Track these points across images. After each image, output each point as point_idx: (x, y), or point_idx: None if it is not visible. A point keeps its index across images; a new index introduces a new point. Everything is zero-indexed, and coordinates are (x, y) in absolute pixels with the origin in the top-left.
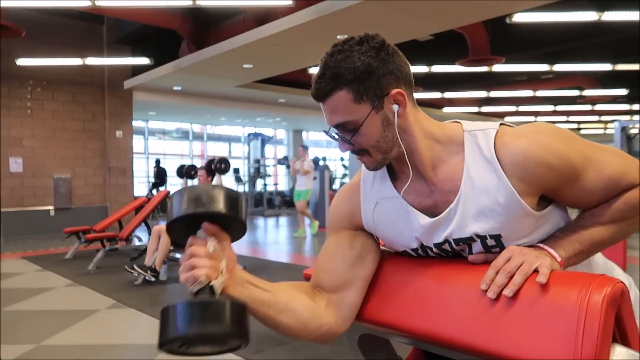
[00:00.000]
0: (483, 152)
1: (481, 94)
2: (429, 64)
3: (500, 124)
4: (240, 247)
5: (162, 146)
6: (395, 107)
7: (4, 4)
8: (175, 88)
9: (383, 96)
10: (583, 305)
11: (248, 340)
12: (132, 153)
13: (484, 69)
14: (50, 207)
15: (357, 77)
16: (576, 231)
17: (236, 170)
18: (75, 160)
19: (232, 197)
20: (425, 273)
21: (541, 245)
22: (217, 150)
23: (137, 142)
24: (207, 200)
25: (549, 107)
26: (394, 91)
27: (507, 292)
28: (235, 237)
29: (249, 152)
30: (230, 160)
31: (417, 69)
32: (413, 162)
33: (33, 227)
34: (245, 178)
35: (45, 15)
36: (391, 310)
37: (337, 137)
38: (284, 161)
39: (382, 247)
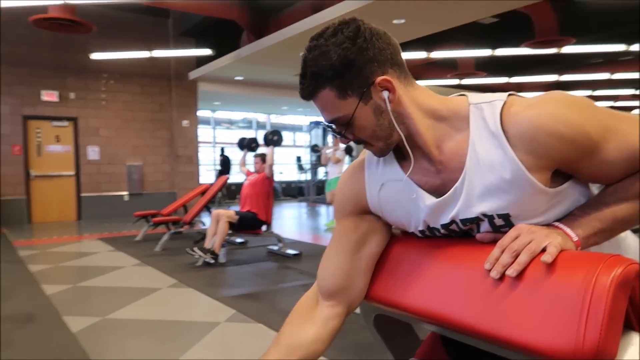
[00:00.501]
0: (489, 125)
1: (552, 77)
2: (493, 47)
3: (509, 94)
4: (302, 234)
5: (230, 135)
6: (385, 94)
7: (76, 2)
8: (236, 78)
9: (368, 86)
10: (589, 287)
11: None
12: (198, 142)
13: (552, 51)
14: (125, 193)
15: (336, 73)
16: (596, 208)
17: (298, 159)
18: (146, 148)
19: None
20: (433, 253)
21: (556, 224)
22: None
23: (205, 132)
24: None
25: (629, 91)
26: (379, 79)
27: (511, 271)
28: None
29: (310, 140)
30: (294, 150)
31: (480, 52)
32: (415, 144)
33: (109, 211)
34: (307, 166)
35: (114, 11)
36: (397, 289)
37: (334, 132)
38: (316, 149)
39: (393, 230)
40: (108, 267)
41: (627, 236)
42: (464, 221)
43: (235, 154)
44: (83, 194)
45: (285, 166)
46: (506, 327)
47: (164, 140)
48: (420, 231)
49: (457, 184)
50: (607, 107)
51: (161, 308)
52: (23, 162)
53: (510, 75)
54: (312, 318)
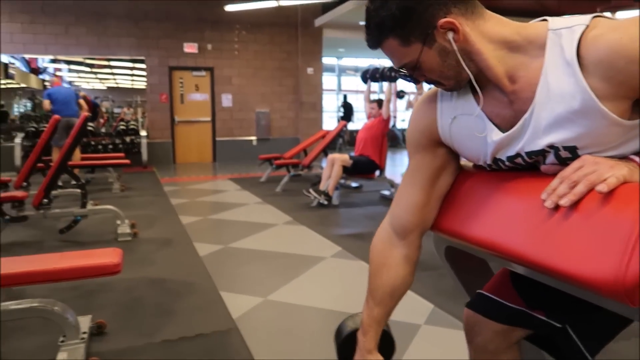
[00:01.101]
0: (565, 53)
1: None
2: None
3: (594, 17)
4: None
5: (355, 83)
6: (450, 35)
7: None
8: (361, 23)
9: (431, 30)
10: (638, 218)
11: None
12: (322, 89)
13: None
14: (253, 138)
15: (397, 23)
16: None
17: None
18: (273, 96)
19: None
20: (498, 186)
21: (631, 156)
22: (404, 85)
23: (329, 79)
24: None
25: None
26: (441, 21)
27: (564, 201)
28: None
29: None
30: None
31: None
32: (486, 78)
33: (239, 154)
34: None
35: None
36: (460, 221)
37: (404, 76)
38: (401, 94)
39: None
40: (234, 204)
41: None
42: (529, 154)
43: (358, 102)
44: (218, 139)
45: (408, 114)
46: (555, 257)
47: (290, 87)
48: (488, 165)
49: (525, 116)
50: None
51: (275, 241)
52: (169, 109)
53: None
54: (394, 261)
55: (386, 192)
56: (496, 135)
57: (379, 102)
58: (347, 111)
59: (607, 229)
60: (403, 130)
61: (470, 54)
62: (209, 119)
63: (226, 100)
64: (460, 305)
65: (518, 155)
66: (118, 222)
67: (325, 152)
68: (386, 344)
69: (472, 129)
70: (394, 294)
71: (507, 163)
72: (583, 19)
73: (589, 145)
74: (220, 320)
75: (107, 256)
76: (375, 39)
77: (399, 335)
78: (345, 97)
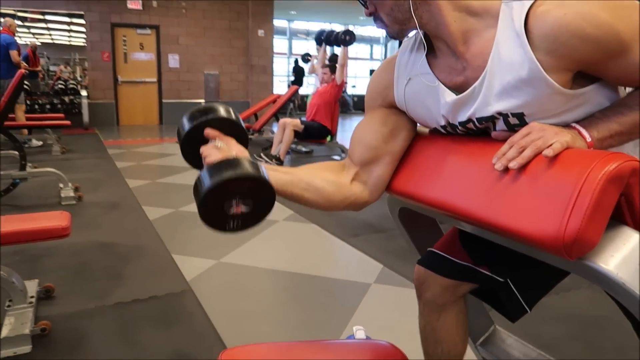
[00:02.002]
0: (515, 24)
1: None
2: None
3: None
4: None
5: (306, 47)
6: None
7: None
8: None
9: None
10: (580, 180)
11: (271, 187)
12: (273, 52)
13: None
14: (202, 100)
15: None
16: (617, 110)
17: (372, 72)
18: (222, 57)
19: (223, 107)
20: (451, 150)
21: (573, 124)
22: (358, 51)
23: (281, 43)
24: (200, 114)
25: None
26: None
27: (513, 164)
28: (240, 140)
29: (385, 54)
30: (371, 63)
31: None
32: (441, 35)
33: None
34: None
35: None
36: (416, 183)
37: None
38: (307, 58)
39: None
40: (184, 167)
41: None
42: (479, 119)
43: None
44: (164, 100)
45: (359, 79)
46: (504, 216)
47: (240, 49)
48: (442, 126)
49: (476, 83)
50: None
51: None
52: (112, 68)
53: None
54: (337, 173)
55: (337, 157)
56: (449, 96)
57: (331, 67)
58: (299, 75)
59: (551, 191)
60: (353, 96)
61: (429, 5)
62: (154, 79)
63: (173, 60)
64: (408, 264)
65: (470, 120)
66: (61, 185)
67: (276, 116)
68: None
69: (425, 89)
70: (309, 183)
71: (460, 128)
72: None
73: (535, 113)
74: (173, 283)
75: (54, 219)
76: None
77: (351, 294)
78: (296, 61)
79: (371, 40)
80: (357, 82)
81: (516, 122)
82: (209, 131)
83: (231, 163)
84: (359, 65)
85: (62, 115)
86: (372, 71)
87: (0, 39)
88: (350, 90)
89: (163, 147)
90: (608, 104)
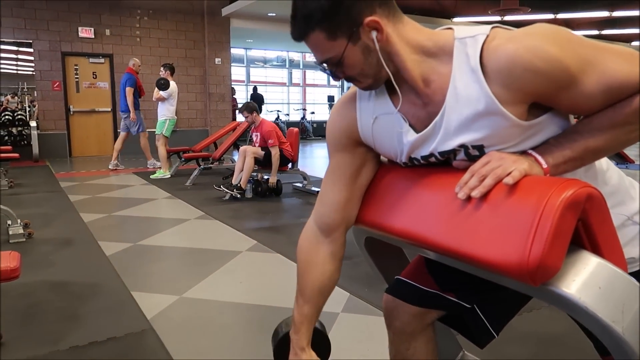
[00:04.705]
0: (470, 60)
1: (603, 14)
2: None
3: (493, 27)
4: None
5: (264, 74)
6: (374, 34)
7: None
8: (269, 14)
9: (357, 27)
10: (539, 207)
11: None
12: (231, 80)
13: None
14: None
15: (325, 15)
16: (569, 137)
17: (330, 99)
18: (179, 86)
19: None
20: (415, 180)
21: (530, 151)
22: (315, 78)
23: (239, 70)
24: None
25: None
26: (367, 19)
27: (475, 193)
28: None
29: (343, 81)
30: (327, 89)
31: None
32: (403, 79)
33: None
34: None
35: None
36: (381, 213)
37: (325, 70)
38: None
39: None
40: (141, 199)
41: (609, 168)
42: (441, 153)
43: (268, 94)
44: (120, 130)
45: (318, 106)
46: (467, 244)
47: (197, 78)
48: (404, 163)
49: (437, 119)
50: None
51: (188, 237)
52: (63, 98)
53: (556, 12)
54: (321, 259)
55: (299, 185)
56: (411, 135)
57: (247, 108)
58: (258, 102)
59: (512, 218)
60: (313, 123)
61: (390, 54)
62: (109, 109)
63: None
64: (374, 292)
65: (431, 155)
66: (9, 222)
67: (236, 144)
68: (321, 342)
69: (391, 128)
70: (322, 290)
71: (422, 161)
72: (484, 29)
73: (494, 144)
74: (133, 322)
75: (2, 260)
76: (301, 31)
77: None
78: (255, 88)
79: None
80: (316, 109)
81: (476, 153)
82: None
83: None
84: (317, 92)
85: (9, 147)
86: (330, 97)
87: None
88: (309, 117)
89: (119, 179)
90: (560, 131)
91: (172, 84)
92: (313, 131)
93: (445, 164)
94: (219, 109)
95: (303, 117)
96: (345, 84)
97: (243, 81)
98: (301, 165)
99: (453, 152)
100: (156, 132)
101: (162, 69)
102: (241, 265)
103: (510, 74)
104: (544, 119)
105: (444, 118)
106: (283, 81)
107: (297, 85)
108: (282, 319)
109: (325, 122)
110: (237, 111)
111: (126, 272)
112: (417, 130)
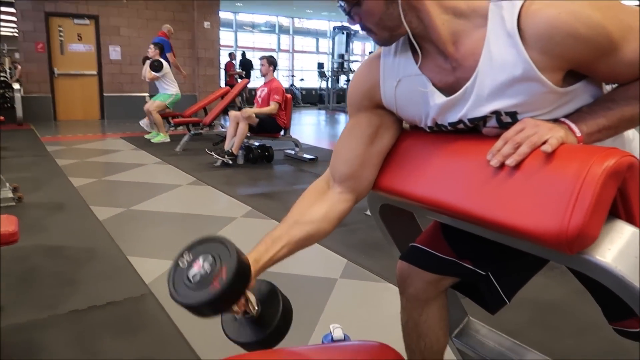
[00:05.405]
0: (506, 24)
1: None
2: None
3: None
4: (319, 140)
5: (252, 39)
6: None
7: None
8: None
9: None
10: (581, 175)
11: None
12: (219, 44)
13: None
14: (146, 94)
15: None
16: (604, 106)
17: (320, 65)
18: None
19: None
20: (440, 146)
21: (563, 119)
22: (304, 44)
23: (227, 35)
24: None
25: None
26: None
27: (510, 161)
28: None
29: (333, 47)
30: (317, 56)
31: None
32: (430, 38)
33: (131, 111)
34: (329, 73)
35: None
36: (402, 179)
37: (342, 8)
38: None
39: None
40: (131, 164)
41: (635, 138)
42: (471, 120)
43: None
44: (106, 94)
45: (307, 73)
46: (500, 212)
47: (185, 42)
48: (429, 127)
49: (467, 84)
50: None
51: (181, 203)
52: (47, 60)
53: None
54: (322, 199)
55: (291, 152)
56: (439, 98)
57: (269, 59)
58: (246, 68)
59: (550, 187)
60: (302, 90)
61: (418, 11)
62: (94, 72)
63: (114, 52)
64: (371, 258)
65: (460, 121)
66: None
67: (226, 110)
68: (271, 298)
69: (415, 90)
70: (303, 224)
71: (449, 128)
72: None
73: (528, 110)
74: (132, 286)
75: (2, 224)
76: None
77: (318, 290)
78: (243, 53)
79: (317, 34)
80: (305, 76)
81: (508, 120)
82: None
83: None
84: (306, 58)
85: None
86: (320, 64)
87: None
88: (298, 84)
89: (106, 143)
90: (592, 100)
91: (165, 63)
92: (302, 98)
93: (472, 131)
94: (208, 74)
95: (292, 84)
96: (336, 51)
97: (231, 46)
98: (292, 133)
99: (484, 119)
100: (153, 99)
101: (151, 46)
102: (237, 231)
103: (551, 39)
104: (578, 87)
105: (475, 83)
106: (272, 47)
107: (286, 51)
108: (279, 284)
109: (314, 89)
110: (236, 77)
111: (121, 237)
112: (445, 94)
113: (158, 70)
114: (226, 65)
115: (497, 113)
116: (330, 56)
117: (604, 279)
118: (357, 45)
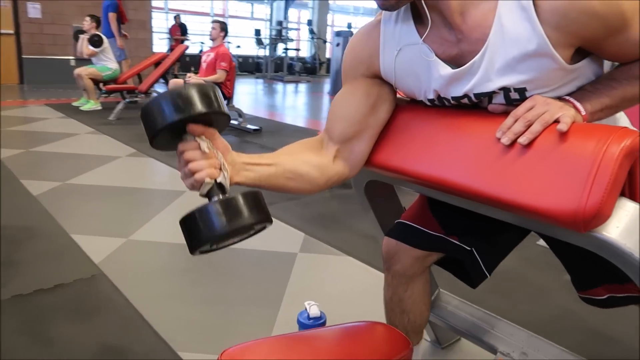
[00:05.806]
0: None
1: None
2: None
3: None
4: (258, 110)
5: (182, 3)
6: None
7: None
8: None
9: None
10: (598, 155)
11: (271, 220)
12: (151, 6)
13: None
14: (71, 57)
15: None
16: (607, 84)
17: (257, 32)
18: (94, 9)
19: (207, 93)
20: (440, 121)
21: (567, 97)
22: (238, 9)
23: None
24: (185, 105)
25: None
26: None
27: (523, 139)
28: (222, 127)
29: (271, 14)
30: (252, 22)
31: None
32: (436, 7)
33: (55, 76)
34: (266, 41)
35: None
36: (401, 156)
37: None
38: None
39: (398, 96)
40: (61, 134)
41: (621, 117)
42: (477, 95)
43: (189, 24)
44: (25, 56)
45: (243, 39)
46: (512, 191)
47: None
48: (430, 100)
49: (476, 57)
50: None
51: (123, 176)
52: None
53: None
54: (317, 154)
55: (234, 122)
56: (444, 69)
57: (221, 24)
58: (181, 32)
59: (565, 165)
60: (239, 57)
61: None
62: (11, 31)
63: (33, 10)
64: (328, 231)
65: (465, 96)
66: None
67: (164, 77)
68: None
69: (416, 59)
70: (295, 156)
71: (452, 102)
72: None
73: (537, 87)
74: (80, 267)
75: None
76: None
77: (280, 265)
78: (177, 16)
79: None
80: (242, 42)
81: (517, 97)
82: (193, 128)
83: (237, 210)
84: (241, 24)
85: None
86: (257, 31)
87: None
88: (234, 51)
89: (29, 110)
90: (593, 78)
91: (105, 38)
92: (239, 66)
93: (474, 107)
94: (139, 37)
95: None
96: (274, 17)
97: (162, 8)
98: (236, 102)
99: (490, 94)
100: (89, 66)
101: (88, 18)
102: (187, 206)
103: (567, 15)
104: (583, 64)
105: (485, 57)
106: (204, 11)
107: (221, 16)
108: (237, 260)
109: (251, 57)
110: (181, 40)
111: (61, 213)
112: (451, 66)
113: (98, 46)
114: (171, 28)
115: (505, 89)
116: (269, 23)
117: (610, 255)
118: (292, 13)
